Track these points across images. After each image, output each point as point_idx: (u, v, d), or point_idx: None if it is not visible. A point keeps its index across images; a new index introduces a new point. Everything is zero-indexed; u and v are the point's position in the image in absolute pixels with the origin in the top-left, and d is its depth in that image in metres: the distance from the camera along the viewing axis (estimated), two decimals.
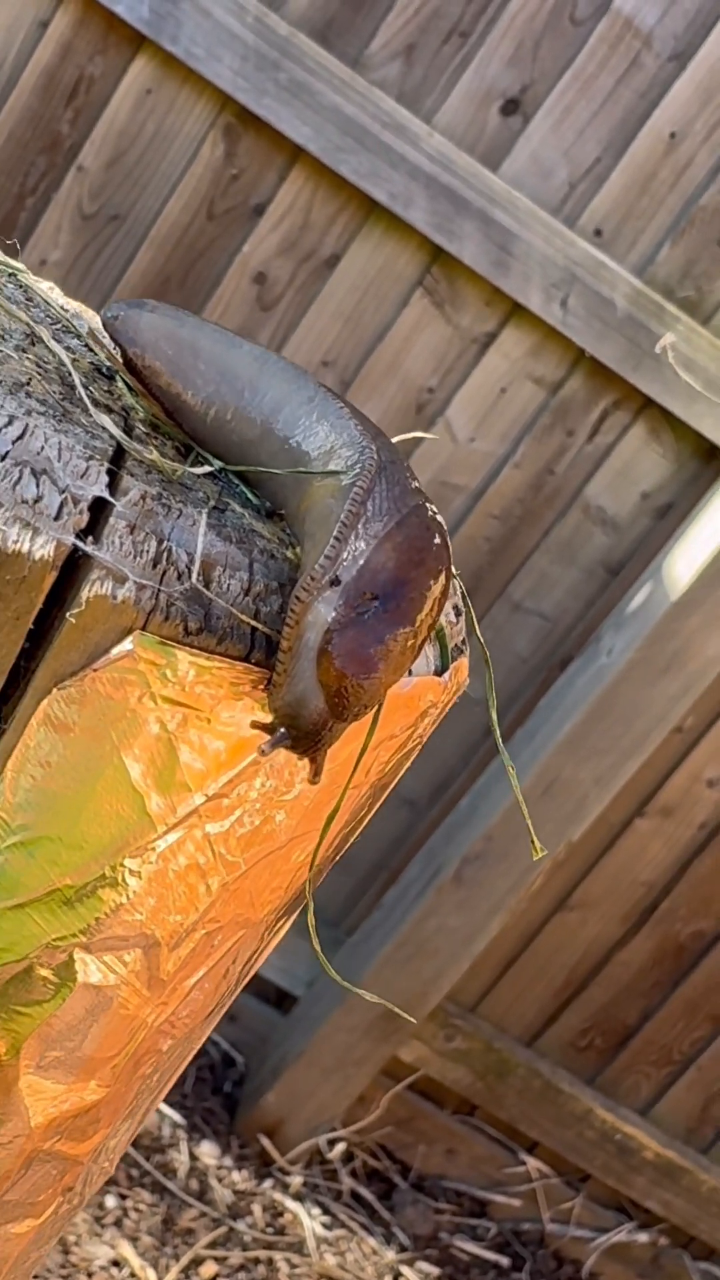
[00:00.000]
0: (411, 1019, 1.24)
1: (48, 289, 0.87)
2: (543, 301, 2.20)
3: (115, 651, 0.71)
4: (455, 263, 2.20)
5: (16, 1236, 0.90)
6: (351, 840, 0.88)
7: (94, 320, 0.89)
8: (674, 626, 2.22)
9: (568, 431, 2.29)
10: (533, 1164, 2.52)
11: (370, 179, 2.15)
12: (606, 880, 2.41)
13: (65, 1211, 0.93)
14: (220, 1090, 2.52)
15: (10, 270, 0.84)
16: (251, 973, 0.92)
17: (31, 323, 0.78)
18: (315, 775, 0.75)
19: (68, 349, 0.80)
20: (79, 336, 0.83)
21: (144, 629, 0.71)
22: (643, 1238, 2.53)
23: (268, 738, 0.73)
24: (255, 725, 0.73)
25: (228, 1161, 2.41)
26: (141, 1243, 2.23)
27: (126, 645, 0.71)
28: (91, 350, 0.82)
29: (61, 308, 0.85)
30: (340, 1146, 2.49)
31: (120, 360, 0.81)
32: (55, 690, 0.72)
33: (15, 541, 0.68)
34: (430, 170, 2.15)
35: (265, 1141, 2.44)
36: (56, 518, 0.69)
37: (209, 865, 0.78)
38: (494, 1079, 2.46)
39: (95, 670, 0.72)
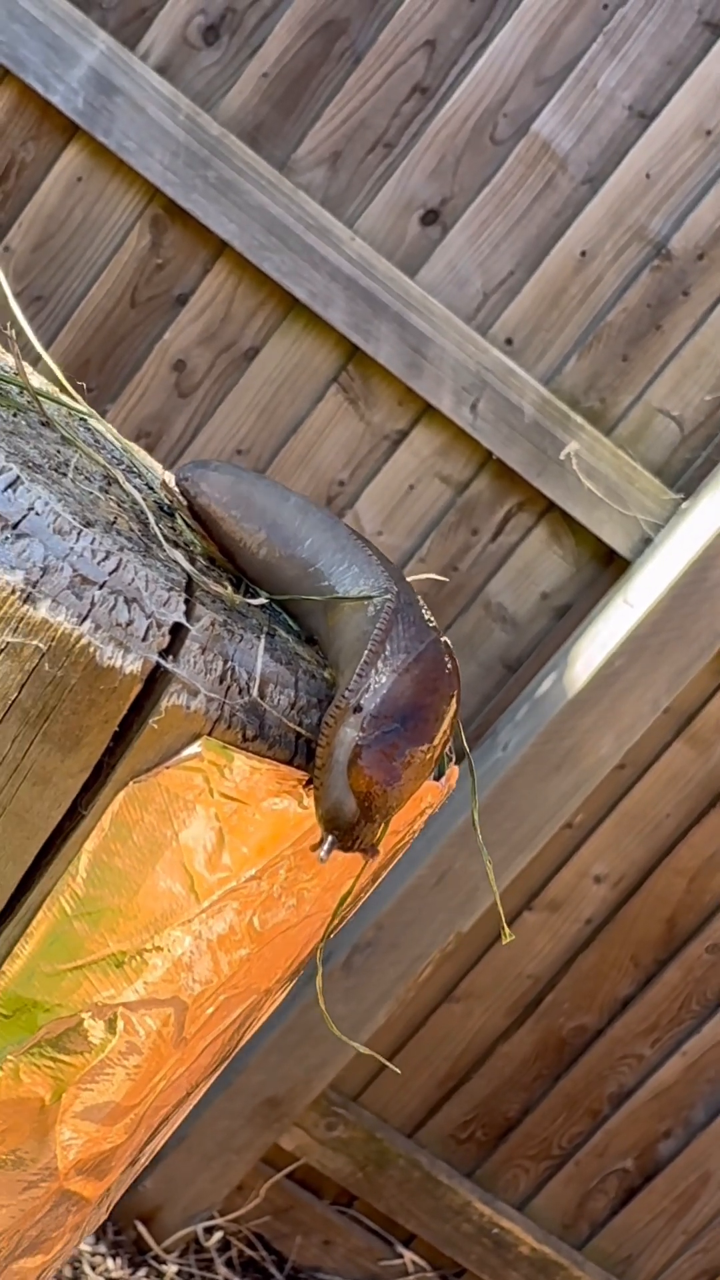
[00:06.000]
0: (397, 1069, 1.43)
1: (105, 430, 1.07)
2: (453, 404, 2.44)
3: (185, 753, 0.92)
4: (370, 362, 2.44)
5: (26, 1271, 1.08)
6: (348, 916, 1.09)
7: (143, 457, 1.09)
8: (568, 725, 2.46)
9: (472, 530, 2.53)
10: (409, 1256, 2.72)
11: (292, 277, 2.38)
12: (493, 972, 2.63)
13: (68, 1251, 1.10)
14: None
15: (81, 415, 1.04)
16: (249, 1035, 1.12)
17: (108, 465, 0.98)
18: (372, 854, 0.96)
19: (136, 488, 1.01)
20: (140, 476, 1.03)
21: (209, 734, 0.91)
22: None
23: (323, 848, 0.94)
24: (312, 848, 0.94)
25: (102, 1248, 2.56)
26: None
27: (195, 748, 0.92)
28: (153, 489, 1.02)
29: (124, 449, 1.05)
30: (217, 1235, 2.66)
31: (188, 509, 1.01)
32: (131, 783, 0.92)
33: (110, 658, 0.88)
34: (350, 272, 2.39)
35: (141, 1228, 2.60)
36: (144, 639, 0.89)
37: (240, 938, 0.98)
38: (374, 1169, 2.65)
39: (167, 768, 0.92)
